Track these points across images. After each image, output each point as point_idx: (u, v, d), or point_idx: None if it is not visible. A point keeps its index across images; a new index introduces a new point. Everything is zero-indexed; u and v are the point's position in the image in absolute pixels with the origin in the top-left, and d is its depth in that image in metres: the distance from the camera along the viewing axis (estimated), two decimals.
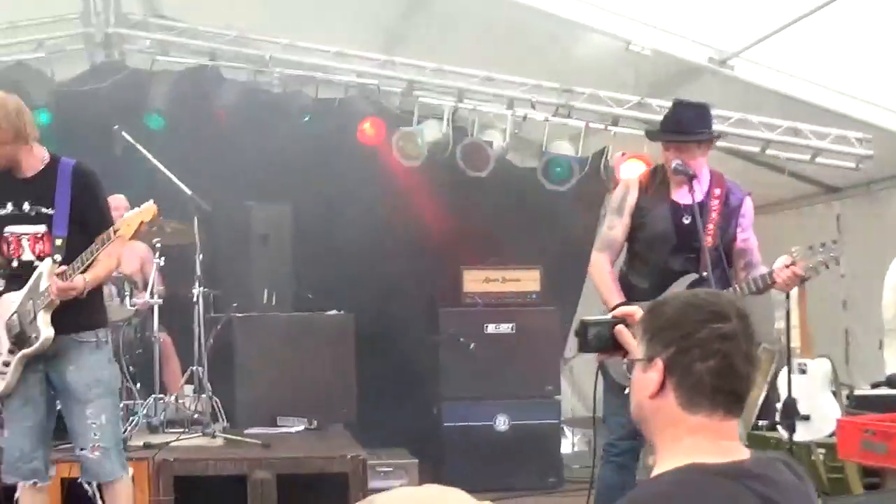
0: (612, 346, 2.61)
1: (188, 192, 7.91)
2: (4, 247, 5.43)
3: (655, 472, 2.18)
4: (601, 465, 5.74)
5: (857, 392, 8.10)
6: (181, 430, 7.96)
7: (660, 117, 7.58)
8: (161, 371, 8.32)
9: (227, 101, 8.87)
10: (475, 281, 8.97)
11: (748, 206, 5.78)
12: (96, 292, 5.59)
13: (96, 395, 5.37)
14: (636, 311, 2.54)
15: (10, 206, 5.35)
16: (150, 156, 7.86)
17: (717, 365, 2.12)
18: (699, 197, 5.55)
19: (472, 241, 9.55)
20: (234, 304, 8.94)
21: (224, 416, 8.38)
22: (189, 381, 8.63)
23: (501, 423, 8.70)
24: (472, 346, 8.70)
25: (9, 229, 5.38)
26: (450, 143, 8.84)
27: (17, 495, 5.55)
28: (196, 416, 8.24)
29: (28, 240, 5.35)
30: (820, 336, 8.29)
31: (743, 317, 2.19)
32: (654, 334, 2.20)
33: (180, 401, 8.46)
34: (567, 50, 8.65)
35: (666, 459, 2.16)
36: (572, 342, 9.34)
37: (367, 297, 9.29)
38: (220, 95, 8.89)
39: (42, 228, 5.35)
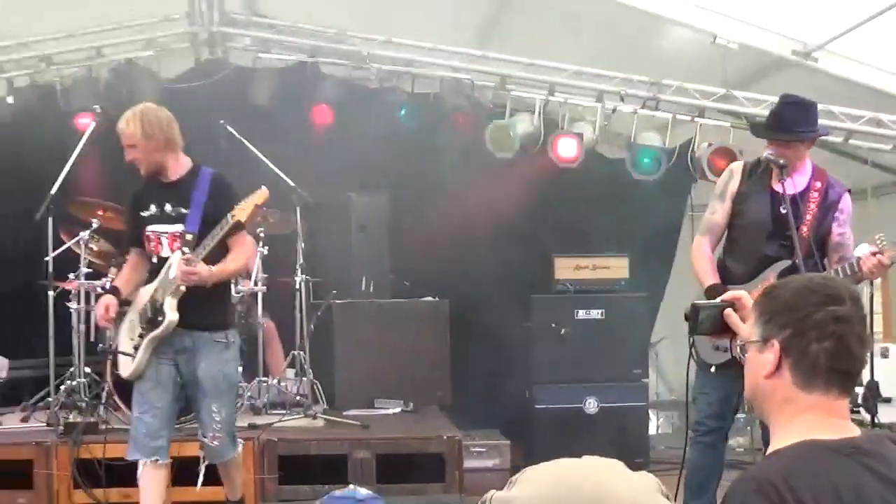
0: (722, 328, 2.77)
1: (291, 183, 8.61)
2: (147, 244, 6.18)
3: (771, 449, 2.35)
4: (689, 446, 6.08)
5: None
6: (284, 411, 8.72)
7: (745, 109, 8.61)
8: (264, 355, 9.10)
9: (326, 96, 9.76)
10: (566, 268, 9.56)
11: (846, 202, 6.10)
12: (226, 293, 6.45)
13: (221, 392, 6.15)
14: (743, 295, 2.75)
15: (153, 208, 6.09)
16: (254, 149, 8.62)
17: (833, 346, 2.27)
18: (800, 187, 5.95)
19: (563, 230, 10.11)
20: (334, 292, 9.58)
21: (324, 399, 9.06)
22: (291, 365, 9.40)
23: (591, 405, 9.26)
24: (563, 331, 9.26)
25: (150, 228, 6.10)
26: (541, 136, 9.51)
27: (139, 471, 6.22)
28: (298, 398, 9.02)
29: (167, 238, 6.08)
30: None
31: (856, 300, 2.36)
32: (771, 317, 2.35)
33: (283, 384, 9.20)
34: (655, 44, 9.27)
35: (781, 437, 2.32)
36: (659, 327, 10.40)
37: (461, 284, 9.90)
38: (320, 91, 9.78)
39: (179, 227, 6.06)
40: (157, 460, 6.14)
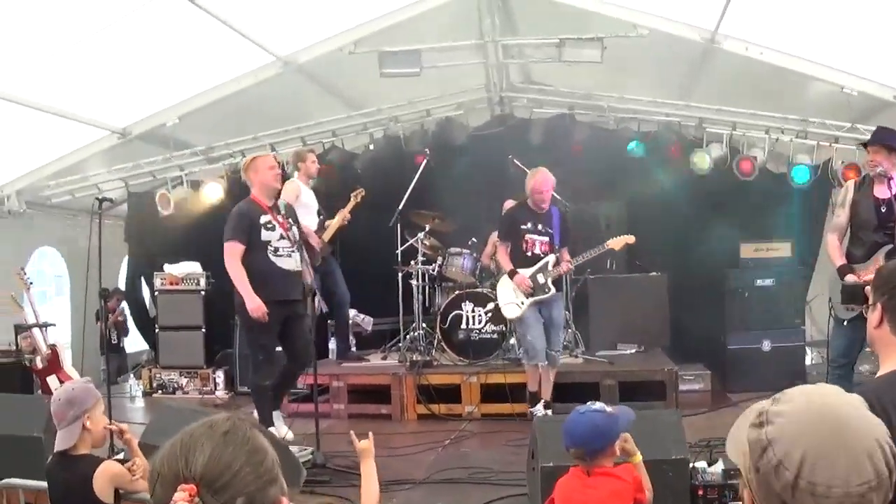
0: (863, 299, 4.13)
1: (556, 196, 12.00)
2: (524, 244, 11.23)
3: (878, 374, 3.58)
4: (828, 374, 8.90)
5: None
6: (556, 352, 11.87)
7: (865, 136, 10.97)
8: None
9: (580, 137, 14.58)
10: (748, 250, 13.54)
11: None
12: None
13: (561, 325, 11.58)
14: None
15: (529, 224, 11.33)
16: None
17: None
18: (894, 191, 8.62)
19: (746, 223, 14.19)
20: (589, 270, 14.04)
21: (583, 343, 13.33)
22: None
23: (766, 345, 13.11)
24: (746, 294, 13.16)
25: (528, 236, 11.21)
26: (728, 158, 13.88)
27: (538, 369, 11.13)
28: (565, 343, 12.70)
29: (538, 243, 11.29)
30: None
31: None
32: (877, 287, 3.67)
33: None
34: (802, 93, 13.12)
35: (884, 367, 3.52)
36: (813, 289, 13.97)
37: (677, 262, 14.41)
38: (575, 133, 14.63)
39: (546, 238, 11.26)
40: (538, 364, 11.13)
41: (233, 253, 9.81)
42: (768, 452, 2.32)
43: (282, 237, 9.92)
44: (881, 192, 8.90)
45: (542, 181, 11.11)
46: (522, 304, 11.22)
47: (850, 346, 8.81)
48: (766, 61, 12.30)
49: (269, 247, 9.89)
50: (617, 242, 11.38)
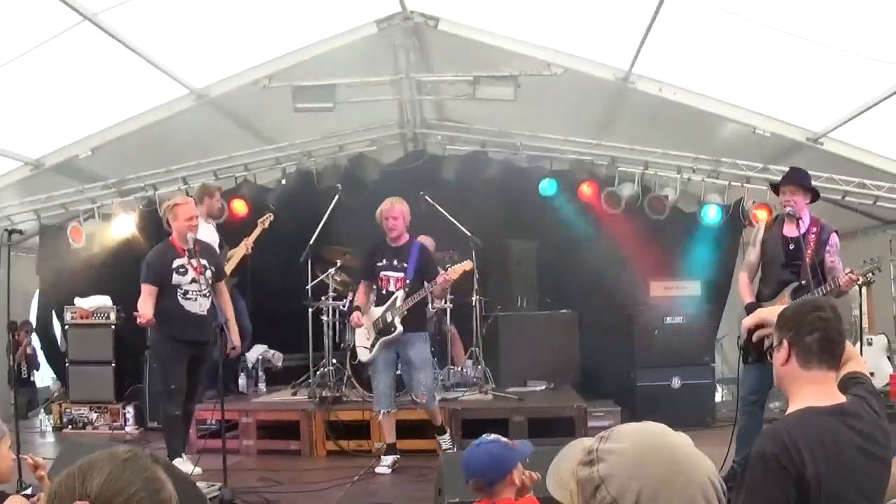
0: (757, 349, 4.52)
1: (468, 233, 12.53)
2: (379, 282, 10.78)
3: (788, 412, 3.75)
4: (739, 413, 8.79)
5: None
6: (465, 389, 12.86)
7: (777, 177, 11.09)
8: (451, 350, 13.50)
9: (492, 173, 14.58)
10: (658, 288, 13.84)
11: (834, 240, 9.06)
12: (425, 312, 11.25)
13: (425, 366, 10.68)
14: (764, 316, 4.25)
15: (384, 261, 10.70)
16: (443, 211, 12.80)
17: (820, 336, 3.71)
18: (802, 230, 8.92)
19: (656, 262, 14.27)
20: (499, 307, 14.34)
21: (493, 380, 13.13)
22: (469, 357, 13.50)
23: (675, 382, 13.34)
24: (656, 331, 13.44)
25: (382, 273, 10.72)
26: (639, 197, 14.05)
27: (379, 419, 10.69)
28: (475, 379, 13.09)
29: (393, 280, 10.75)
30: (880, 320, 12.87)
31: (833, 308, 3.83)
32: (782, 325, 3.84)
33: (464, 370, 13.41)
34: (714, 133, 13.41)
35: (793, 405, 3.70)
36: (723, 326, 14.36)
37: (587, 300, 14.37)
38: (488, 170, 14.63)
39: (401, 275, 10.65)
40: (389, 411, 10.66)
41: (146, 295, 10.29)
42: (601, 491, 2.33)
43: (193, 280, 10.29)
44: (790, 230, 9.18)
45: (387, 209, 10.78)
46: (372, 347, 10.89)
47: (760, 383, 8.98)
48: (679, 101, 12.58)
49: (178, 289, 10.29)
50: (455, 271, 10.98)
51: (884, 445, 3.69)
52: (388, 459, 10.82)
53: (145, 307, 10.10)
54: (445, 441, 11.06)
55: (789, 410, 3.81)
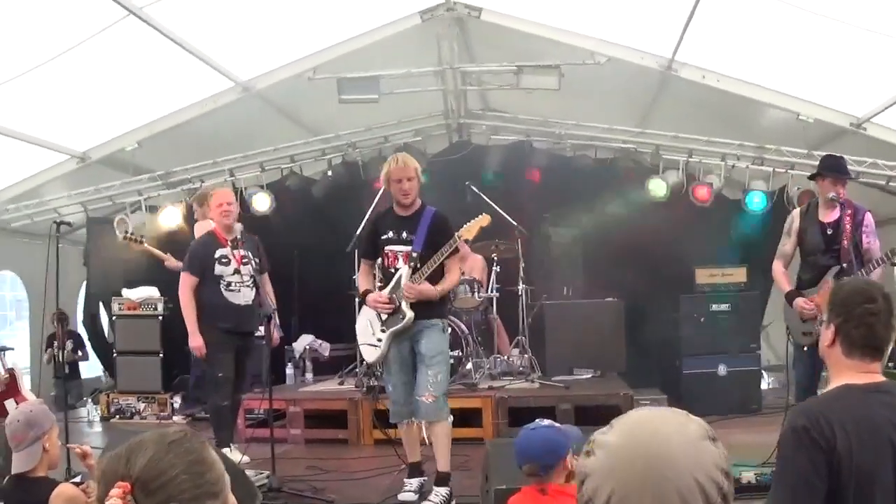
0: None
1: (513, 222, 12.59)
2: (384, 259, 8.77)
3: (826, 389, 3.92)
4: (794, 398, 9.08)
5: None
6: (511, 377, 12.68)
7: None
8: (497, 340, 13.40)
9: (537, 163, 14.75)
10: (703, 275, 13.68)
11: (869, 219, 8.93)
12: (445, 296, 8.93)
13: (437, 362, 8.52)
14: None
15: (391, 233, 8.68)
16: (489, 200, 12.74)
17: (866, 332, 3.80)
18: (837, 216, 8.91)
19: (701, 249, 14.23)
20: (545, 296, 14.19)
21: (539, 368, 13.00)
22: (516, 346, 13.44)
23: (722, 370, 13.20)
24: (702, 319, 13.30)
25: (388, 248, 8.69)
26: (684, 185, 14.15)
27: (400, 431, 8.99)
28: (521, 368, 12.97)
29: (401, 255, 8.67)
30: None
31: (886, 297, 3.84)
32: (832, 308, 3.92)
33: (510, 359, 13.26)
34: (759, 120, 13.51)
35: (832, 382, 3.88)
36: (768, 314, 14.24)
37: (633, 287, 14.19)
38: (532, 159, 14.81)
39: (409, 248, 8.58)
40: (412, 421, 8.72)
41: (185, 284, 10.27)
42: (584, 486, 2.22)
43: (235, 271, 10.20)
44: (826, 216, 9.17)
45: (399, 169, 8.67)
46: (380, 341, 8.81)
47: (812, 371, 9.01)
48: (723, 89, 12.56)
49: (221, 281, 10.19)
50: (469, 230, 8.80)
51: None
52: (412, 483, 8.95)
53: (190, 320, 10.22)
54: (440, 496, 8.64)
55: (829, 388, 3.89)
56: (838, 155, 9.56)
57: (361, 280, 9.14)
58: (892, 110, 12.09)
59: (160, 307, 14.55)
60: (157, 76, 12.32)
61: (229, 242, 10.17)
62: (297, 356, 14.66)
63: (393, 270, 8.72)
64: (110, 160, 14.63)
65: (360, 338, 9.10)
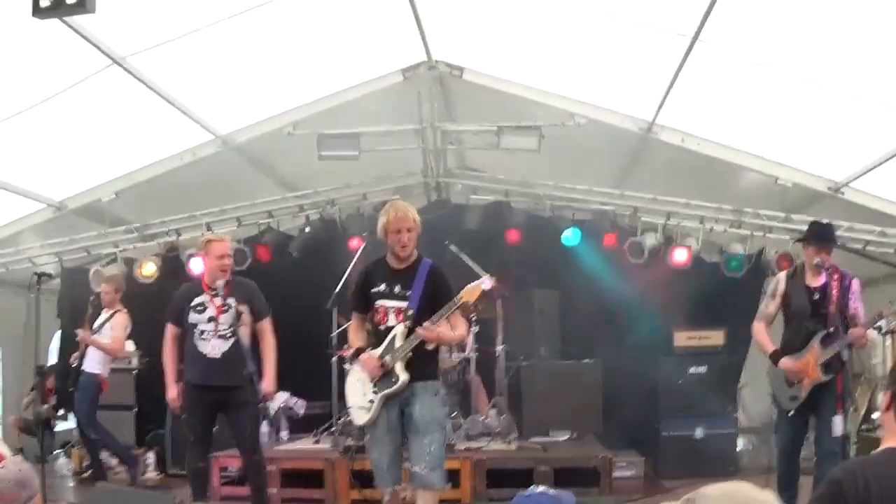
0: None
1: (492, 283, 10.69)
2: (375, 315, 8.27)
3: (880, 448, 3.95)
4: (777, 461, 9.45)
5: None
6: (489, 438, 12.58)
7: (799, 227, 11.70)
8: (475, 400, 13.44)
9: (515, 223, 14.66)
10: (681, 338, 13.77)
11: (856, 286, 9.15)
12: (436, 354, 8.47)
13: (432, 430, 8.08)
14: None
15: (383, 286, 8.23)
16: (468, 260, 12.54)
17: None
18: (824, 280, 9.07)
19: (679, 311, 14.16)
20: (522, 357, 14.11)
21: (516, 429, 12.91)
22: (493, 407, 13.39)
23: (699, 432, 13.26)
24: (680, 381, 13.37)
25: (379, 302, 8.21)
26: (662, 247, 14.04)
27: (384, 499, 8.47)
28: (498, 429, 12.85)
29: (393, 311, 8.21)
30: None
31: None
32: (891, 374, 4.17)
33: (487, 420, 13.13)
34: (737, 183, 13.43)
35: (883, 445, 3.95)
36: (744, 377, 14.28)
37: (610, 349, 14.07)
38: (511, 219, 14.68)
39: (403, 304, 8.12)
40: (396, 489, 8.30)
41: (166, 334, 10.06)
42: None
43: (210, 319, 9.72)
44: (814, 281, 9.31)
45: (399, 218, 8.26)
46: (372, 402, 8.33)
47: (793, 437, 9.25)
48: (702, 152, 12.70)
49: (195, 329, 9.79)
50: (472, 293, 8.22)
51: None
52: None
53: (168, 373, 10.09)
54: None
55: (882, 447, 4.00)
56: (826, 222, 9.73)
57: (353, 336, 8.65)
58: (870, 175, 12.21)
59: (134, 361, 14.43)
60: (137, 127, 12.27)
61: (210, 289, 9.83)
62: (273, 414, 14.25)
63: (383, 328, 8.28)
64: (87, 210, 14.48)
65: (350, 399, 8.64)
